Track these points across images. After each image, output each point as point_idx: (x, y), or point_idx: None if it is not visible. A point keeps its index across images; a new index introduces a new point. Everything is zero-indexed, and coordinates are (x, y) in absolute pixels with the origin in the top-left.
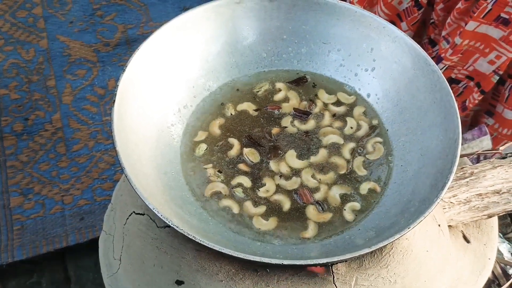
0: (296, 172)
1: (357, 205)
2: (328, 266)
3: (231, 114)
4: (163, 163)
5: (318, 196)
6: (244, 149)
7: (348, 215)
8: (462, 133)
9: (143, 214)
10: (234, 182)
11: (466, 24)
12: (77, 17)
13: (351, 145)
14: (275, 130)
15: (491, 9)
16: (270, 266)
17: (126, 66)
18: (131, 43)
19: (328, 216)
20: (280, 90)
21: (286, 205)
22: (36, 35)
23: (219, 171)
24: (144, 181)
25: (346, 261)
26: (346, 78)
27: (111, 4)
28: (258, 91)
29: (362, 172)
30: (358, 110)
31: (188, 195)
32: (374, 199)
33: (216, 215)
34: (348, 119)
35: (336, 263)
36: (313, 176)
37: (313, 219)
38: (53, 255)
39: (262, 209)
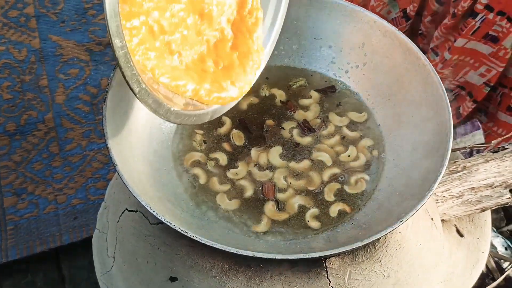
0: (271, 168)
1: (316, 211)
2: (321, 261)
3: (265, 95)
4: (156, 160)
5: (280, 196)
6: (234, 130)
7: (313, 223)
8: (455, 128)
9: (136, 211)
10: (213, 155)
11: (455, 40)
12: (69, 16)
13: (336, 170)
14: (269, 122)
15: (479, 27)
16: (263, 261)
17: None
18: None
19: (283, 216)
20: (310, 97)
21: (248, 192)
22: (28, 34)
23: (204, 141)
24: (137, 178)
25: (339, 255)
26: (337, 75)
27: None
28: (293, 85)
29: (329, 197)
30: (365, 142)
31: (181, 191)
32: (346, 218)
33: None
34: (351, 147)
35: (329, 257)
36: (285, 178)
37: (268, 215)
38: (47, 255)
39: (226, 187)
